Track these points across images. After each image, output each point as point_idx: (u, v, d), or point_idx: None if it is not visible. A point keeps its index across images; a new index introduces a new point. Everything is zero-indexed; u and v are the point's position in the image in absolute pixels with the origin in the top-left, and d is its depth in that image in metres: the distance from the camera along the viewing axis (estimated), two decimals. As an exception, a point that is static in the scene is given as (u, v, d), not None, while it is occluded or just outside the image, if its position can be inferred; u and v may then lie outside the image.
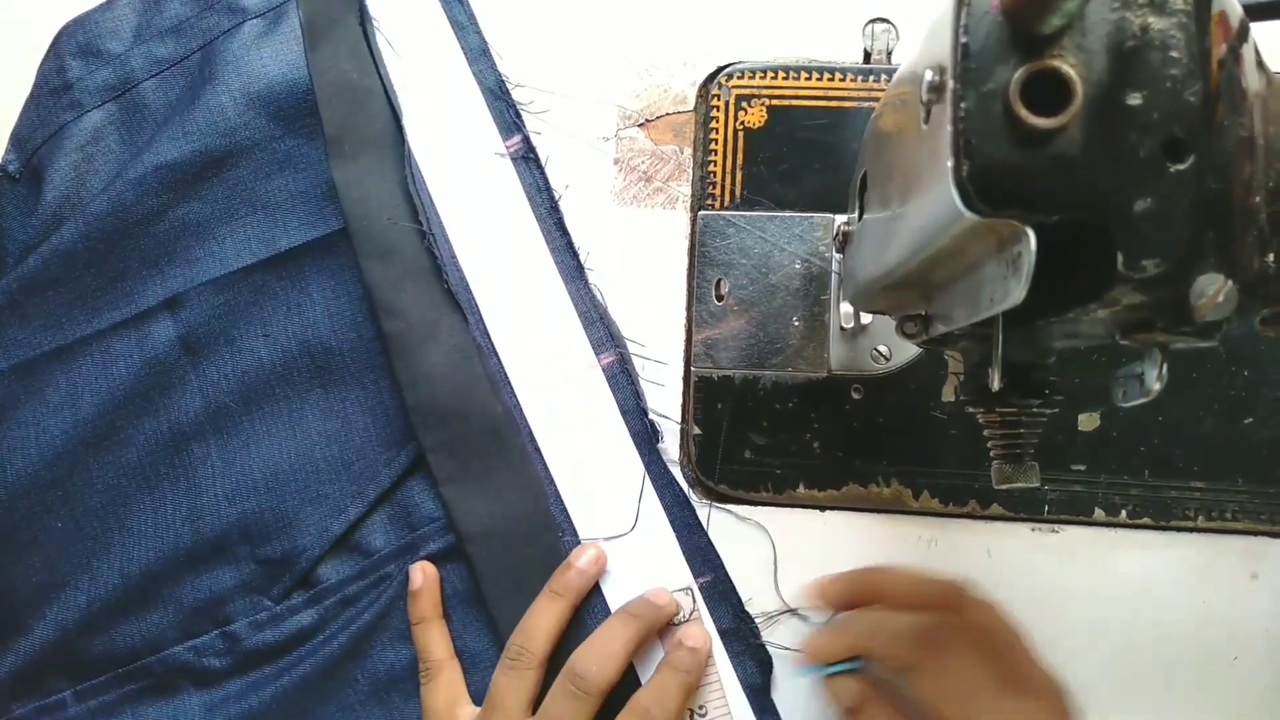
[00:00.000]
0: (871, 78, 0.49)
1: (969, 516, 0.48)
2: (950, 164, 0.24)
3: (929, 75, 0.25)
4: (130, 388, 0.50)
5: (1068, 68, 0.23)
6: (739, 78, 0.50)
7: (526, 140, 0.50)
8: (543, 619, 0.45)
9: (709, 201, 0.50)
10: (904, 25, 0.50)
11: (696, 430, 0.49)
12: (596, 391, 0.48)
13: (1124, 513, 0.47)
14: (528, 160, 0.50)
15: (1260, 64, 0.28)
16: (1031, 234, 0.24)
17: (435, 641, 0.47)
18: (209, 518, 0.50)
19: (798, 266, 0.49)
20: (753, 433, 0.49)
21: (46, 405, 0.51)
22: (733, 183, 0.50)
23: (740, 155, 0.50)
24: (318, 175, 0.50)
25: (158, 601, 0.49)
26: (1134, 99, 0.23)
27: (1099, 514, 0.47)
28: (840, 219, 0.48)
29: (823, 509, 0.48)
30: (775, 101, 0.50)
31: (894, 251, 0.31)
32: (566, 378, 0.49)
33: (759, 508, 0.48)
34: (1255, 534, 0.46)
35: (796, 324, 0.49)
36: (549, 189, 0.50)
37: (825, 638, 0.44)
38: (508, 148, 0.50)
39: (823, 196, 0.49)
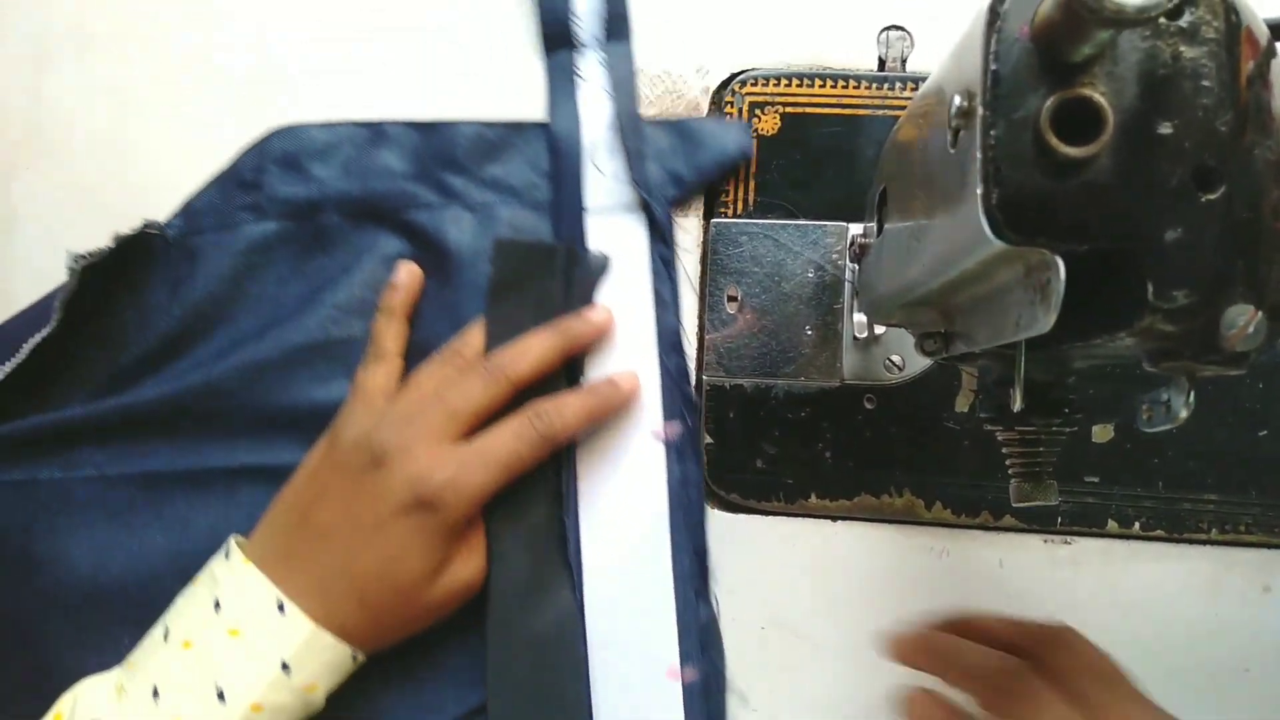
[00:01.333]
0: (886, 85, 0.49)
1: (981, 527, 0.48)
2: (980, 191, 0.24)
3: (957, 100, 0.25)
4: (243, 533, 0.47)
5: (1099, 96, 0.23)
6: (753, 85, 0.50)
7: (689, 432, 0.48)
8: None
9: (721, 209, 0.50)
10: (919, 33, 0.50)
11: (708, 439, 0.49)
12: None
13: (1137, 525, 0.47)
14: (680, 451, 0.48)
15: (1288, 87, 0.28)
16: (1061, 263, 0.24)
17: (391, 335, 0.48)
18: None
19: (811, 275, 0.49)
20: (764, 442, 0.49)
21: (161, 521, 0.49)
22: (746, 190, 0.50)
23: (754, 162, 0.50)
24: None
25: None
26: (1165, 128, 0.23)
27: (1112, 526, 0.47)
28: (855, 228, 0.48)
29: (834, 519, 0.48)
30: (789, 109, 0.50)
31: (915, 271, 0.31)
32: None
33: (770, 517, 0.48)
34: (1269, 547, 0.46)
35: (809, 333, 0.48)
36: (700, 489, 0.48)
37: (908, 643, 0.43)
38: (665, 432, 0.48)
39: (837, 204, 0.49)
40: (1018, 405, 0.30)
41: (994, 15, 0.24)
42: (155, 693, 0.40)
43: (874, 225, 0.40)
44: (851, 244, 0.44)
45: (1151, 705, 0.37)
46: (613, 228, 0.49)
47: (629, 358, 0.48)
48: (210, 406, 0.49)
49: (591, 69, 0.51)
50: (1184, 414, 0.26)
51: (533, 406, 0.45)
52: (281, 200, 0.51)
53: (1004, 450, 0.35)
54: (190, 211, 0.51)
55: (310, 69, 0.52)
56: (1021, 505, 0.34)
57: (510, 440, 0.44)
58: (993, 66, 0.24)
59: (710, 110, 0.51)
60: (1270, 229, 0.26)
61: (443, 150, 0.50)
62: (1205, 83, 0.23)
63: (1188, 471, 0.47)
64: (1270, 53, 0.26)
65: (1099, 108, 0.23)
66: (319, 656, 0.41)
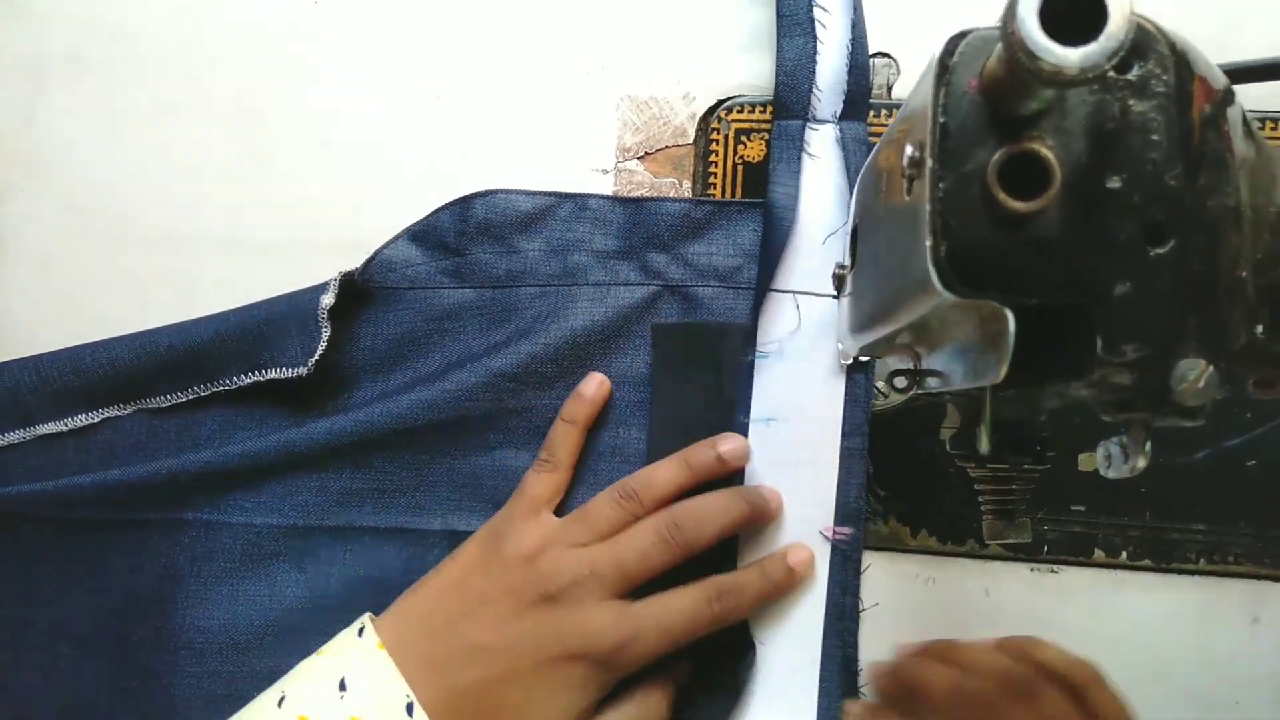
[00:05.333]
0: (871, 113, 0.49)
1: (967, 555, 0.47)
2: (929, 243, 0.24)
3: (909, 150, 0.25)
4: (381, 595, 0.46)
5: (1046, 150, 0.23)
6: (739, 111, 0.50)
7: (857, 538, 0.47)
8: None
9: (709, 236, 0.50)
10: (905, 60, 0.49)
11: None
12: None
13: (1124, 554, 0.46)
14: (847, 556, 0.47)
15: (1249, 131, 0.28)
16: (1011, 316, 0.24)
17: (569, 446, 0.47)
18: None
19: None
20: (751, 469, 0.49)
21: (301, 574, 0.49)
22: (733, 216, 0.50)
23: (739, 189, 0.50)
24: None
25: None
26: (1114, 182, 0.23)
27: (1099, 555, 0.47)
28: (838, 257, 0.48)
29: (820, 546, 0.48)
30: (775, 136, 0.50)
31: (881, 313, 0.31)
32: None
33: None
34: (1258, 578, 0.46)
35: (796, 360, 0.48)
36: (856, 599, 0.47)
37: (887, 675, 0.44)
38: (835, 533, 0.47)
39: (823, 232, 0.49)
40: (985, 447, 0.31)
41: (943, 69, 0.24)
42: None
43: (850, 258, 0.40)
44: (833, 274, 0.44)
45: None
46: (818, 314, 0.48)
47: (812, 448, 0.47)
48: (369, 459, 0.49)
49: (823, 145, 0.48)
50: (1141, 464, 0.26)
51: (715, 584, 0.43)
52: (484, 271, 0.50)
53: (976, 487, 0.34)
54: (385, 264, 0.50)
55: (307, 94, 0.53)
56: (994, 542, 0.34)
57: (687, 612, 0.42)
58: (941, 119, 0.24)
59: (696, 136, 0.51)
60: (1231, 276, 0.26)
61: (647, 226, 0.50)
62: (1154, 136, 0.23)
63: (1175, 501, 0.46)
64: (1227, 98, 0.26)
65: (1046, 162, 0.23)
66: None
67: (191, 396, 0.50)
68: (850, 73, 0.48)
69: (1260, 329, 0.27)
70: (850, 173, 0.47)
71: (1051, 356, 0.25)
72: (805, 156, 0.48)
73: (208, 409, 0.50)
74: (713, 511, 0.44)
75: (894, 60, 0.50)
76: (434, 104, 0.52)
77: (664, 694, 0.44)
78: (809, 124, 0.48)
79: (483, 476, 0.49)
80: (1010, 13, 0.20)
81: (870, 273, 0.33)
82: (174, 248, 0.53)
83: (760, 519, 0.46)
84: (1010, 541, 0.34)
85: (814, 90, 0.48)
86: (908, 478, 0.48)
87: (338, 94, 0.53)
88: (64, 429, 0.50)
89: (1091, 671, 0.40)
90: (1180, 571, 0.46)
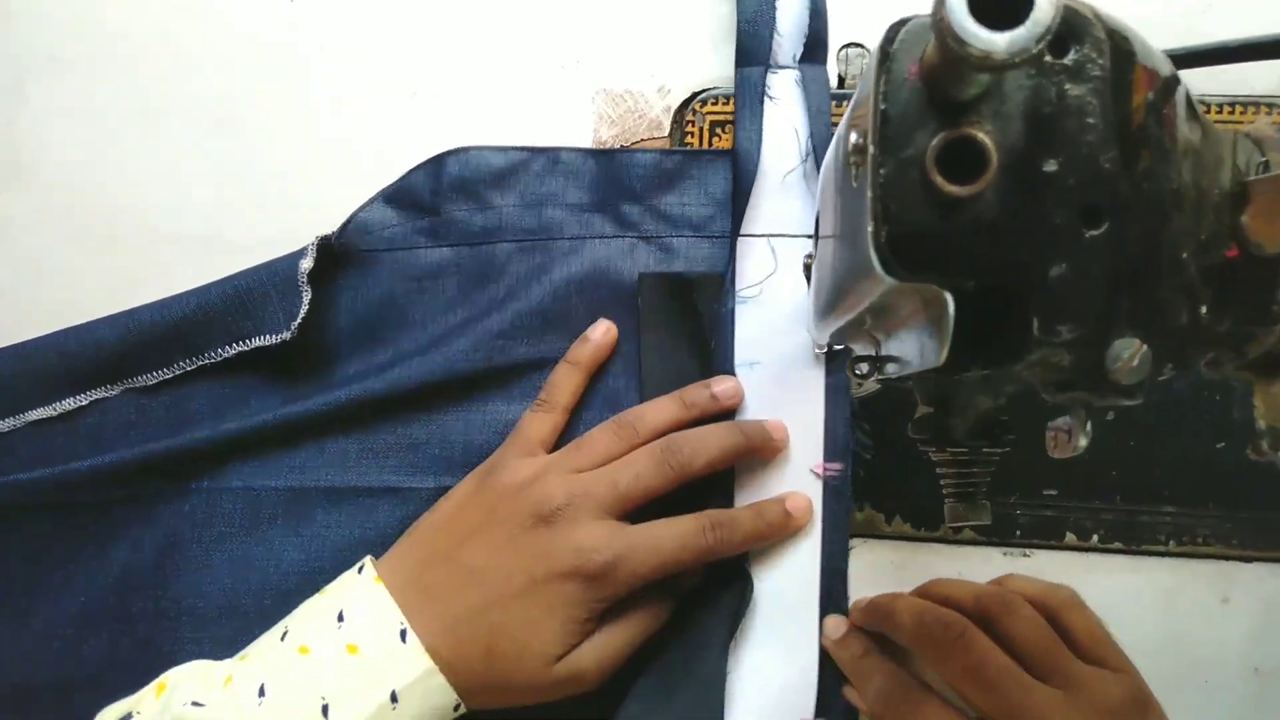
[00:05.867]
0: (845, 103, 0.50)
1: (941, 541, 0.48)
2: (870, 229, 0.24)
3: (854, 137, 0.26)
4: (376, 554, 0.47)
5: (983, 135, 0.23)
6: (714, 104, 0.51)
7: (846, 474, 0.47)
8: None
9: (684, 226, 0.50)
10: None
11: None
12: None
13: (1095, 537, 0.47)
14: (838, 492, 0.47)
15: (1194, 114, 0.28)
16: (950, 299, 0.24)
17: (570, 388, 0.48)
18: None
19: (771, 291, 0.49)
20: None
21: (298, 538, 0.50)
22: (708, 207, 0.51)
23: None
24: None
25: None
26: (1050, 165, 0.24)
27: (1070, 538, 0.47)
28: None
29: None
30: (749, 127, 0.50)
31: (836, 299, 0.32)
32: None
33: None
34: (1226, 559, 0.46)
35: (770, 348, 0.49)
36: (846, 538, 0.47)
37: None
38: (825, 469, 0.48)
39: (796, 221, 0.49)
40: (960, 434, 0.31)
41: (884, 55, 0.24)
42: (261, 691, 0.40)
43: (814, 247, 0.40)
44: (804, 262, 0.44)
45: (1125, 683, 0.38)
46: (792, 255, 0.49)
47: (797, 388, 0.48)
48: (362, 422, 0.50)
49: (785, 89, 0.49)
50: (1083, 443, 0.26)
51: (710, 515, 0.44)
52: (459, 229, 0.51)
53: (938, 471, 0.35)
54: (362, 226, 0.51)
55: (286, 94, 0.54)
56: (956, 525, 0.34)
57: (680, 539, 0.43)
58: (882, 106, 0.24)
59: (672, 129, 0.52)
60: (1172, 257, 0.26)
61: (619, 178, 0.50)
62: (1090, 120, 0.24)
63: (1145, 484, 0.47)
64: (1170, 83, 0.26)
65: (983, 146, 0.23)
66: (428, 697, 0.40)
67: (178, 372, 0.50)
68: (811, 17, 0.49)
69: (1204, 309, 0.28)
70: (810, 112, 0.49)
71: (993, 338, 0.25)
72: (767, 100, 0.49)
73: (195, 384, 0.51)
74: (710, 439, 0.45)
75: (867, 50, 0.50)
76: (411, 101, 0.53)
77: (657, 616, 0.45)
78: (770, 69, 0.49)
79: (475, 431, 0.50)
80: None
81: (827, 261, 0.34)
82: (156, 248, 0.53)
83: (760, 452, 0.47)
84: (971, 524, 0.34)
85: (775, 35, 0.49)
86: (881, 464, 0.48)
87: (316, 93, 0.53)
88: (53, 414, 0.51)
89: (1067, 594, 0.41)
90: (1150, 553, 0.47)
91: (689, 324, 0.49)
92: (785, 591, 0.47)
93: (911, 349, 0.29)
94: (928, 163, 0.23)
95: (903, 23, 0.25)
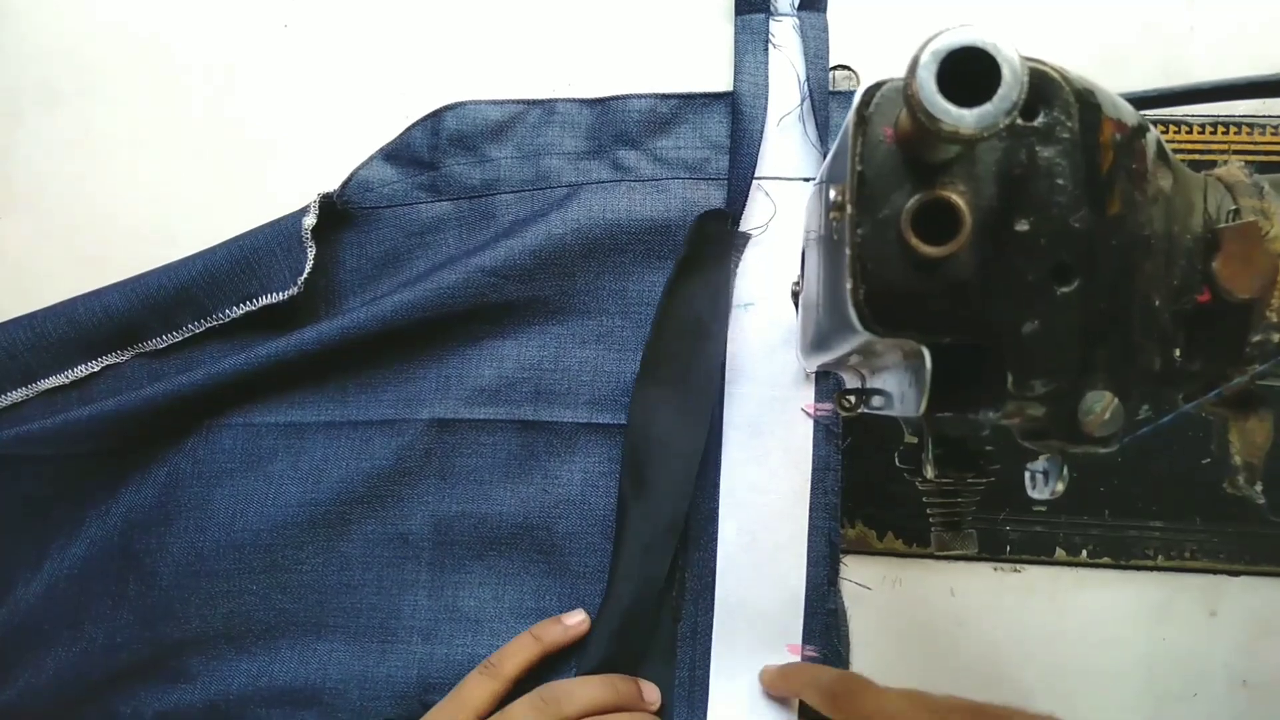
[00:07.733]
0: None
1: (932, 557, 0.49)
2: (849, 286, 0.25)
3: (833, 193, 0.26)
4: (372, 486, 0.50)
5: (957, 197, 0.24)
6: (703, 126, 0.51)
7: (836, 413, 0.48)
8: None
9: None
10: (865, 72, 0.50)
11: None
12: None
13: (1084, 552, 0.48)
14: (829, 431, 0.48)
15: (1165, 159, 0.29)
16: (928, 354, 0.25)
17: (521, 660, 0.47)
18: (399, 649, 0.50)
19: (763, 313, 0.50)
20: (721, 476, 0.50)
21: (296, 471, 0.50)
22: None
23: (706, 202, 0.51)
24: (621, 366, 0.50)
25: (314, 705, 0.49)
26: (1022, 225, 0.24)
27: (1060, 553, 0.48)
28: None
29: (790, 550, 0.50)
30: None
31: (820, 340, 0.32)
32: None
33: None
34: (1214, 572, 0.47)
35: (763, 369, 0.50)
36: (839, 476, 0.48)
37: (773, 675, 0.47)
38: (816, 409, 0.49)
39: (787, 242, 0.50)
40: (930, 473, 0.32)
41: (860, 119, 0.25)
42: None
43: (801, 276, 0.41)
44: (791, 288, 0.45)
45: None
46: (789, 198, 0.50)
47: (791, 329, 0.49)
48: (359, 358, 0.50)
49: (786, 36, 0.50)
50: (1060, 488, 0.27)
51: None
52: (458, 183, 0.52)
53: (924, 499, 0.36)
54: (363, 185, 0.52)
55: (278, 122, 0.54)
56: (942, 554, 0.35)
57: None
58: (859, 168, 0.25)
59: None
60: (1144, 305, 0.27)
61: (615, 125, 0.51)
62: (1059, 181, 0.24)
63: (1133, 499, 0.47)
64: (1138, 133, 0.27)
65: (957, 209, 0.24)
66: None
67: (186, 334, 0.51)
68: None
69: (1178, 352, 0.28)
70: (808, 58, 0.49)
71: (969, 390, 0.26)
72: (771, 46, 0.50)
73: (204, 347, 0.52)
74: (585, 688, 0.45)
75: (854, 73, 0.51)
76: (405, 125, 0.53)
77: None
78: (772, 16, 0.50)
79: (470, 364, 0.51)
80: (910, 74, 0.21)
81: (812, 300, 0.34)
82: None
83: (628, 707, 0.47)
84: (956, 553, 0.35)
85: None
86: (873, 482, 0.49)
87: (309, 121, 0.54)
88: (65, 381, 0.51)
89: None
90: (1139, 568, 0.48)
91: (714, 272, 0.49)
92: (778, 531, 0.48)
93: (894, 389, 0.30)
94: (903, 224, 0.24)
95: (878, 86, 0.25)
